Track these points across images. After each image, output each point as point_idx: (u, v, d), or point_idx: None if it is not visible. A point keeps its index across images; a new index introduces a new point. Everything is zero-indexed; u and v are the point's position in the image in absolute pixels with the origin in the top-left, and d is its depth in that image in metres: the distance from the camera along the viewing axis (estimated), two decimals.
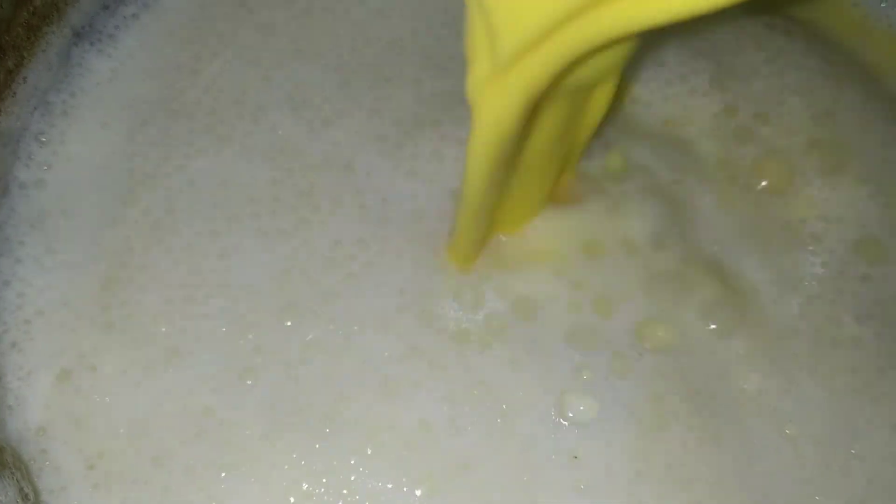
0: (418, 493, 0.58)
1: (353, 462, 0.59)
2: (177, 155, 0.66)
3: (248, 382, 0.60)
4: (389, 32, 0.74)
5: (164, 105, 0.68)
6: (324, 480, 0.58)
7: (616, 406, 0.60)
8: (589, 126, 0.60)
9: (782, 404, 0.62)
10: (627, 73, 0.72)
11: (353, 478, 0.58)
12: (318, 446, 0.59)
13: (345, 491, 0.58)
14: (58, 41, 0.68)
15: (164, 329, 0.61)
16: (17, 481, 0.56)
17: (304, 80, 0.70)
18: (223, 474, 0.58)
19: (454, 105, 0.71)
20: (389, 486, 0.58)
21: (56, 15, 0.67)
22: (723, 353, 0.63)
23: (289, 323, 0.62)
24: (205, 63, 0.70)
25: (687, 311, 0.63)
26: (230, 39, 0.71)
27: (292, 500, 0.58)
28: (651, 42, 0.73)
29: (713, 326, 0.63)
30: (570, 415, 0.60)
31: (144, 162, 0.66)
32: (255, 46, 0.72)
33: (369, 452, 0.59)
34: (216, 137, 0.67)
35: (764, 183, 0.69)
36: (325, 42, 0.73)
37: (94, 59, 0.70)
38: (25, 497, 0.55)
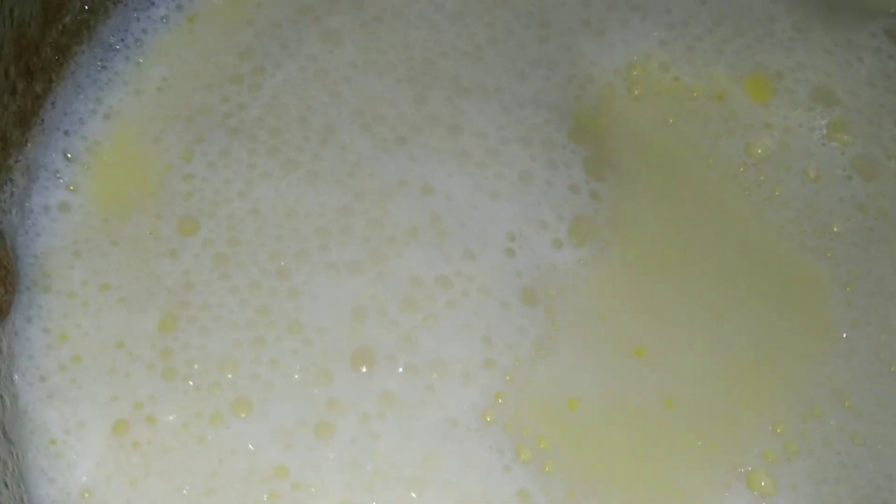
0: None
1: None
2: (238, 179, 0.63)
3: (325, 438, 0.57)
4: (467, 39, 0.71)
5: (223, 121, 0.65)
6: None
7: None
8: None
9: None
10: None
11: None
12: None
13: None
14: (88, 59, 0.64)
15: (230, 376, 0.57)
16: None
17: (375, 94, 0.67)
18: None
19: (541, 117, 0.67)
20: None
21: (87, 32, 0.64)
22: None
23: (364, 370, 0.58)
24: (267, 75, 0.67)
25: None
26: (294, 49, 0.68)
27: None
28: None
29: None
30: None
31: (203, 185, 0.63)
32: (321, 57, 0.68)
33: None
34: (281, 160, 0.63)
35: None
36: (397, 51, 0.69)
37: (134, 70, 0.67)
38: None
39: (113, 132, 0.64)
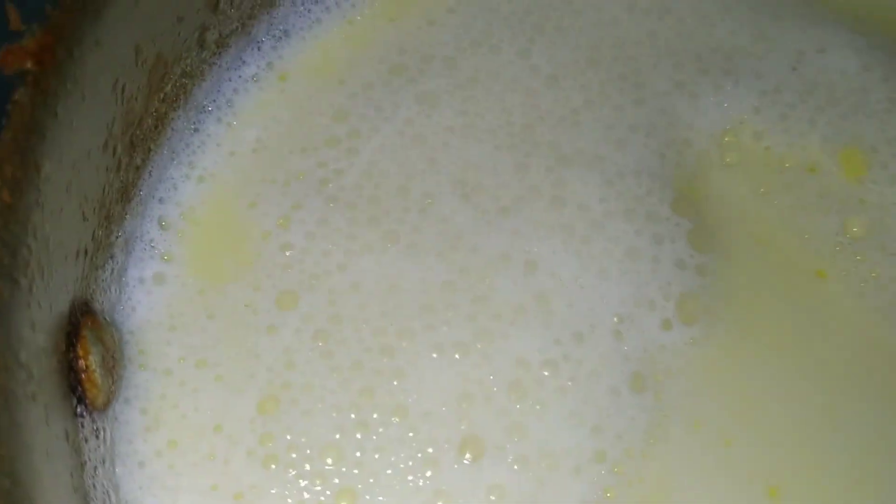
0: None
1: None
2: (338, 251, 0.60)
3: None
4: (563, 103, 0.68)
5: (321, 187, 0.62)
6: None
7: None
8: None
9: None
10: None
11: None
12: None
13: None
14: (183, 124, 0.62)
15: (332, 464, 0.54)
16: None
17: (474, 161, 0.64)
18: None
19: (643, 188, 0.65)
20: None
21: (183, 97, 0.61)
22: None
23: (469, 458, 0.55)
24: (364, 139, 0.65)
25: None
26: (390, 112, 0.65)
27: None
28: None
29: None
30: None
31: (303, 256, 0.60)
32: (418, 121, 0.66)
33: None
34: (381, 231, 0.61)
35: None
36: (494, 115, 0.67)
37: (225, 131, 0.64)
38: None
39: (207, 197, 0.62)
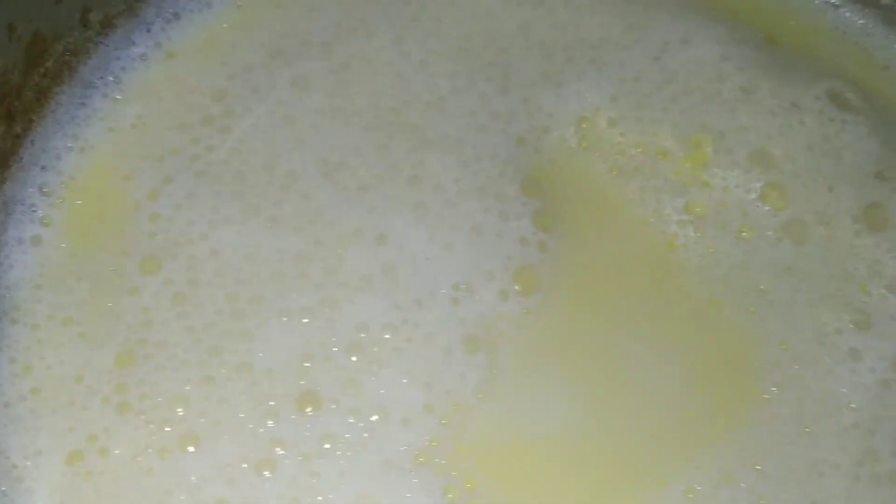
0: None
1: None
2: (202, 221, 0.64)
3: (266, 474, 0.59)
4: (431, 89, 0.71)
5: (191, 163, 0.66)
6: None
7: None
8: None
9: None
10: None
11: None
12: None
13: None
14: (68, 98, 0.65)
15: (180, 412, 0.59)
16: None
17: (340, 142, 0.68)
18: None
19: (496, 170, 0.69)
20: None
21: (68, 73, 0.64)
22: None
23: (309, 410, 0.60)
24: (237, 118, 0.68)
25: None
26: (265, 94, 0.69)
27: None
28: None
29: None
30: None
31: (168, 225, 0.64)
32: (290, 102, 0.69)
33: None
34: (244, 205, 0.65)
35: None
36: (363, 99, 0.70)
37: (111, 106, 0.68)
38: None
39: (87, 168, 0.65)
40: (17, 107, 0.59)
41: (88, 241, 0.63)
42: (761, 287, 0.68)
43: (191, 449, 0.58)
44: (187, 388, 0.59)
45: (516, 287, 0.65)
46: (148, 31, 0.70)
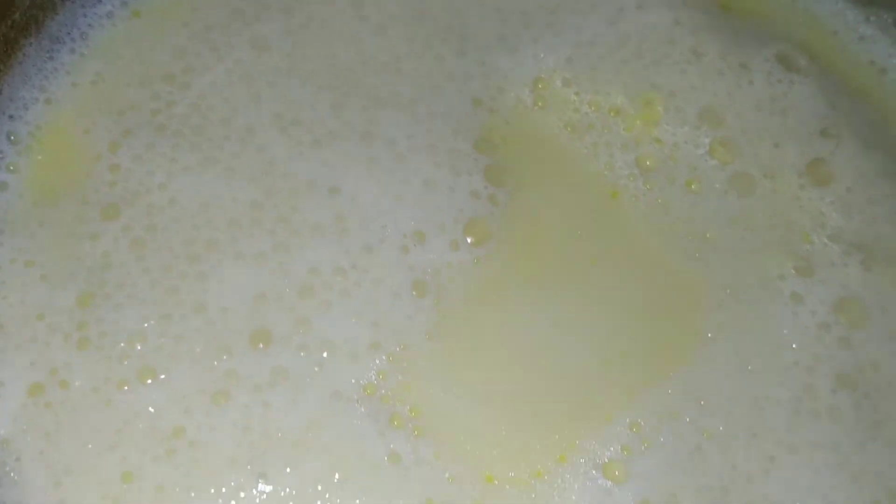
0: None
1: (320, 488, 0.61)
2: (160, 171, 0.68)
3: (220, 405, 0.63)
4: (387, 51, 0.75)
5: (151, 117, 0.70)
6: None
7: None
8: None
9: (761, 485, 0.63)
10: None
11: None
12: (288, 470, 0.61)
13: None
14: (36, 51, 0.69)
15: (139, 348, 0.63)
16: None
17: (296, 99, 0.72)
18: (192, 494, 0.61)
19: (449, 128, 0.72)
20: None
21: (35, 27, 0.69)
22: None
23: (261, 346, 0.64)
24: (196, 76, 0.72)
25: None
26: (224, 53, 0.73)
27: None
28: None
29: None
30: None
31: (128, 175, 0.68)
32: (248, 61, 0.73)
33: (336, 479, 0.61)
34: (201, 156, 0.69)
35: None
36: (320, 60, 0.74)
37: (76, 62, 0.72)
38: None
39: (51, 119, 0.69)
40: None
41: (51, 191, 0.67)
42: (707, 235, 0.72)
43: (149, 381, 0.62)
44: (145, 325, 0.64)
45: (468, 239, 0.69)
46: None
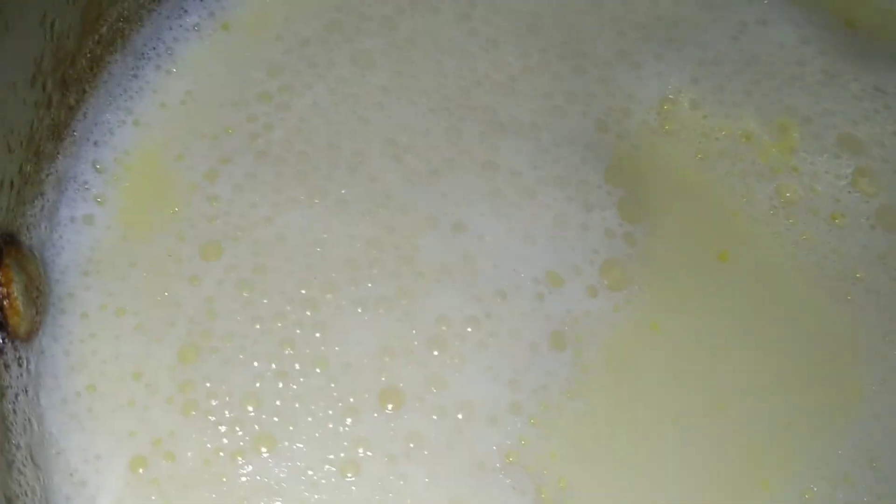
0: None
1: None
2: (265, 204, 0.62)
3: (350, 477, 0.56)
4: (501, 68, 0.70)
5: (249, 142, 0.64)
6: None
7: None
8: None
9: None
10: None
11: None
12: None
13: None
14: (121, 69, 0.63)
15: (252, 412, 0.56)
16: None
17: (407, 123, 0.66)
18: None
19: (577, 157, 0.67)
20: None
21: (121, 41, 0.62)
22: None
23: (391, 407, 0.57)
24: (296, 95, 0.66)
25: None
26: (325, 70, 0.67)
27: None
28: None
29: None
30: None
31: (228, 207, 0.62)
32: (352, 80, 0.68)
33: None
34: (309, 187, 0.63)
35: None
36: (429, 78, 0.69)
37: (163, 79, 0.65)
38: None
39: (140, 144, 0.63)
40: (70, 75, 0.58)
41: (142, 225, 0.60)
42: (858, 275, 0.67)
43: (265, 451, 0.55)
44: (258, 384, 0.57)
45: (604, 282, 0.63)
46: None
